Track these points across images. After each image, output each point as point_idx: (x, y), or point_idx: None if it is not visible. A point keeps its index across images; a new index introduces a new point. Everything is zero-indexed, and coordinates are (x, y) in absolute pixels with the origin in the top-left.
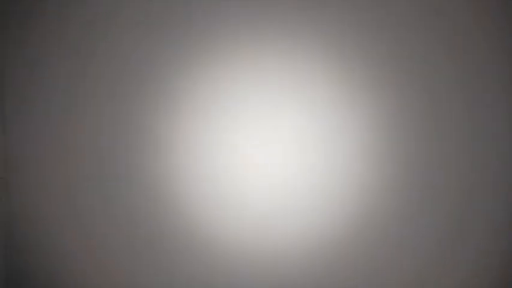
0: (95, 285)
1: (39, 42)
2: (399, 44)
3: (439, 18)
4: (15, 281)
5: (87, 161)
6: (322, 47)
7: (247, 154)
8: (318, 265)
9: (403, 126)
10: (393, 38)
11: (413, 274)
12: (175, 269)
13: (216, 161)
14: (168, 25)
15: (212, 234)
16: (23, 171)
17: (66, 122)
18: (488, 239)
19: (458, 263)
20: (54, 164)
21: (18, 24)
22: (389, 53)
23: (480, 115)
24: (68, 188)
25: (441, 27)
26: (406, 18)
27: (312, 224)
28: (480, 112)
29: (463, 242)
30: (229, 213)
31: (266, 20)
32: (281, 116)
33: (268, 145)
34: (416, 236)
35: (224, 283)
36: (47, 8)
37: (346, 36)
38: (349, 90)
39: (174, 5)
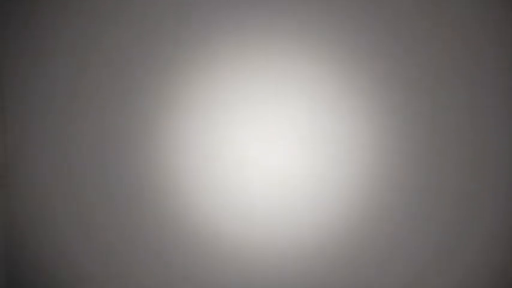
0: (95, 285)
1: (39, 42)
2: (401, 45)
3: (442, 18)
4: (16, 280)
5: (87, 161)
6: (326, 46)
7: (248, 153)
8: (317, 265)
9: (403, 128)
10: (395, 38)
11: (412, 276)
12: (177, 268)
13: (217, 160)
14: (169, 23)
15: (213, 233)
16: (23, 171)
17: (66, 122)
18: (487, 241)
19: (457, 265)
20: (54, 164)
21: (18, 24)
22: (392, 54)
23: (480, 117)
24: (67, 188)
25: (444, 28)
26: (409, 20)
27: (312, 223)
28: (480, 114)
29: (462, 244)
30: (231, 213)
31: (269, 18)
32: (283, 115)
33: (269, 144)
34: (415, 238)
35: (226, 282)
36: (47, 7)
37: (350, 36)
38: (351, 90)
39: (175, 3)
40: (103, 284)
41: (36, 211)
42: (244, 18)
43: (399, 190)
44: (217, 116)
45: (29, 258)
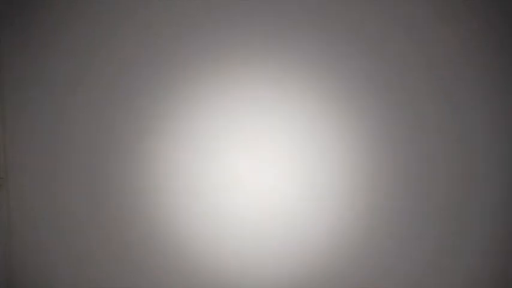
0: (95, 284)
1: (39, 43)
2: (396, 52)
3: (436, 24)
4: (15, 280)
5: (86, 161)
6: (319, 67)
7: (241, 172)
8: (314, 276)
9: (401, 133)
10: (388, 44)
11: (413, 280)
12: (167, 275)
13: (210, 178)
14: (168, 31)
15: (203, 249)
16: (22, 171)
17: (66, 122)
18: (488, 240)
19: (458, 265)
20: (54, 164)
21: (18, 25)
22: (382, 67)
23: (478, 119)
24: (67, 187)
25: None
26: (403, 28)
27: (308, 239)
28: (478, 116)
29: (463, 244)
30: (223, 232)
31: (264, 37)
32: (277, 135)
33: (262, 163)
34: (414, 244)
35: None
36: (48, 8)
37: (342, 56)
38: (345, 107)
39: (172, 11)
40: (102, 283)
41: (36, 211)
42: (241, 39)
43: (397, 200)
44: (213, 134)
45: (29, 258)
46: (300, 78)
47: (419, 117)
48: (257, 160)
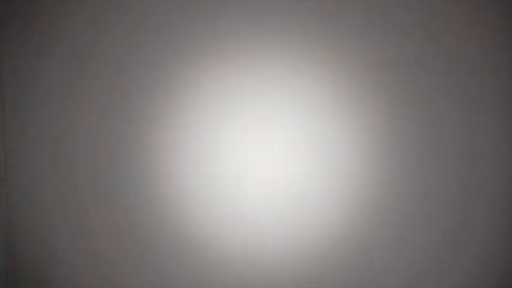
0: (94, 284)
1: (39, 42)
2: (398, 52)
3: (440, 26)
4: (15, 280)
5: (86, 161)
6: (325, 55)
7: (245, 161)
8: (314, 271)
9: (403, 131)
10: (392, 46)
11: (412, 279)
12: (172, 272)
13: (214, 168)
14: (168, 28)
15: (208, 240)
16: (22, 171)
17: (66, 122)
18: (488, 241)
19: (458, 266)
20: (54, 164)
21: (18, 24)
22: (389, 62)
23: (479, 119)
24: (67, 188)
25: (442, 35)
26: (408, 27)
27: (308, 231)
28: (479, 116)
29: (463, 245)
30: (226, 222)
31: (268, 26)
32: (280, 124)
33: (266, 152)
34: (414, 244)
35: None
36: (47, 7)
37: (349, 44)
38: (349, 98)
39: (171, 9)
40: (102, 283)
41: (36, 211)
42: (244, 26)
43: (399, 196)
44: (216, 124)
45: (29, 258)
46: (309, 71)
47: (428, 115)
48: (265, 151)
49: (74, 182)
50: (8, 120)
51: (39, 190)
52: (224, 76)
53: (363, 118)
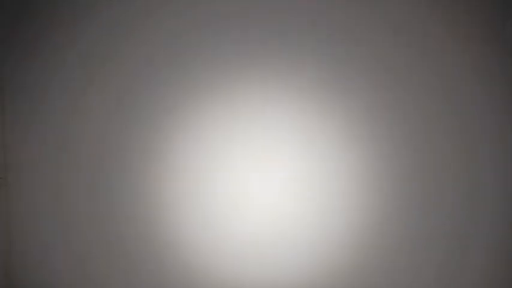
0: (94, 284)
1: (39, 42)
2: (401, 56)
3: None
4: (15, 280)
5: (86, 161)
6: (325, 80)
7: (246, 184)
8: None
9: (407, 137)
10: (397, 51)
11: (422, 280)
12: (169, 284)
13: (215, 189)
14: (175, 35)
15: (210, 266)
16: (23, 171)
17: (66, 122)
18: (496, 242)
19: (465, 270)
20: (54, 165)
21: (18, 24)
22: (390, 65)
23: (480, 121)
24: (67, 188)
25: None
26: (409, 29)
27: (311, 254)
28: (482, 117)
29: (470, 249)
30: (229, 243)
31: (269, 51)
32: (281, 149)
33: (267, 176)
34: (421, 253)
35: None
36: (54, 14)
37: (347, 68)
38: (349, 120)
39: (179, 16)
40: (102, 283)
41: (36, 211)
42: (245, 51)
43: (403, 221)
44: (218, 146)
45: (29, 257)
46: (310, 84)
47: (430, 117)
48: (264, 169)
49: (74, 182)
50: (9, 120)
51: (39, 190)
52: (224, 103)
53: (369, 129)
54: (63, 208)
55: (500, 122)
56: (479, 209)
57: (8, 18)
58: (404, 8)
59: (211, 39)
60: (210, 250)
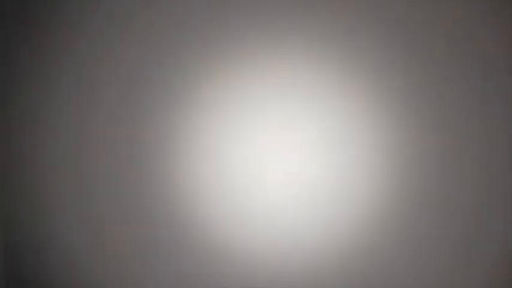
0: (96, 284)
1: (39, 42)
2: (411, 54)
3: (452, 25)
4: (15, 280)
5: (87, 161)
6: (338, 58)
7: (260, 163)
8: (323, 271)
9: (416, 136)
10: (405, 46)
11: (431, 279)
12: (184, 274)
13: (229, 169)
14: (176, 33)
15: (221, 240)
16: (23, 171)
17: (66, 122)
18: (503, 245)
19: (473, 271)
20: (54, 164)
21: (18, 24)
22: (402, 63)
23: (495, 123)
24: (67, 187)
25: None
26: (420, 25)
27: (324, 233)
28: (494, 120)
29: (478, 250)
30: (242, 221)
31: (282, 28)
32: (295, 125)
33: (280, 154)
34: (427, 253)
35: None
36: (56, 12)
37: (362, 47)
38: (362, 100)
39: (180, 14)
40: (103, 283)
41: (36, 211)
42: (256, 29)
43: (411, 203)
44: (230, 126)
45: (29, 258)
46: (325, 62)
47: (441, 115)
48: (282, 148)
49: (74, 182)
50: (9, 120)
51: (39, 190)
52: (235, 83)
53: (379, 118)
54: (64, 207)
55: None
56: (495, 208)
57: (8, 18)
58: None
59: (222, 23)
60: (231, 223)
